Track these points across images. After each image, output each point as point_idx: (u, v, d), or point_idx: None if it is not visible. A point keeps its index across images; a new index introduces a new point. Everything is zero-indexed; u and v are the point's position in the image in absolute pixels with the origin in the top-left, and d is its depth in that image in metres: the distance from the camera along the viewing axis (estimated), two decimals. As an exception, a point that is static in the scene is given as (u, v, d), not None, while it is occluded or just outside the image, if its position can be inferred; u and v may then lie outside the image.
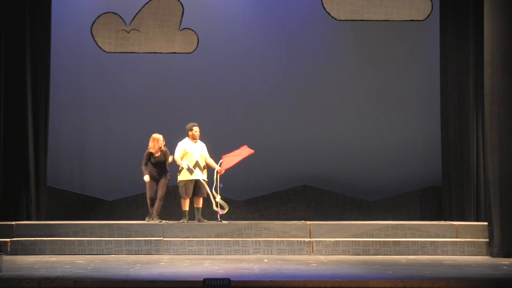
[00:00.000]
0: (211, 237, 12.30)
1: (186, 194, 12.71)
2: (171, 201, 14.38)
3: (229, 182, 14.43)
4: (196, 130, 12.86)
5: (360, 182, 14.54)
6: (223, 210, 12.78)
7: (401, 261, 11.34)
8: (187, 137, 12.87)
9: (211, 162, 12.93)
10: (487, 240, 12.05)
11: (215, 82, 14.66)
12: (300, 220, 13.14)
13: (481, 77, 12.78)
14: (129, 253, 12.15)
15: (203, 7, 14.66)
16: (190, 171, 12.67)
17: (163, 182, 12.91)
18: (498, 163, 11.77)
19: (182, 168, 12.69)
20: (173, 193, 14.37)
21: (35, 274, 9.51)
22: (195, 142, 12.83)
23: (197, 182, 12.76)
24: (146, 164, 12.95)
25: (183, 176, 12.73)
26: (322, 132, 14.58)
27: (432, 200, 14.46)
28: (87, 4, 14.58)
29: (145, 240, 12.23)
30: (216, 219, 12.89)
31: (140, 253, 12.14)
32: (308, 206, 14.49)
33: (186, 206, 12.79)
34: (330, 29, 14.68)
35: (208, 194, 12.80)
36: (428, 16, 14.47)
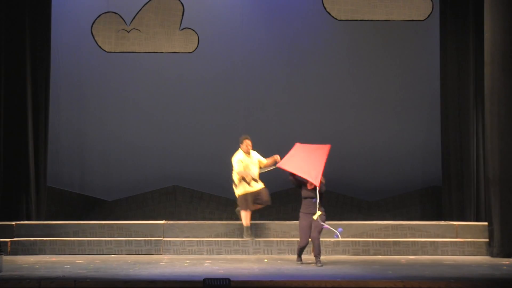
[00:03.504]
0: (211, 237, 12.30)
1: (247, 207, 12.17)
2: (171, 201, 14.40)
3: (229, 182, 14.45)
4: (247, 143, 12.25)
5: (360, 182, 14.53)
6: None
7: (401, 261, 11.35)
8: (240, 150, 12.32)
9: (269, 161, 12.31)
10: (487, 240, 12.05)
11: (216, 82, 14.64)
12: (300, 220, 13.11)
13: (481, 77, 12.78)
14: (129, 253, 12.15)
15: (203, 7, 14.65)
16: (249, 183, 12.18)
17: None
18: (498, 163, 11.78)
19: (240, 181, 12.19)
20: (173, 193, 14.40)
21: (35, 274, 9.52)
22: (249, 155, 12.27)
23: (258, 192, 12.24)
24: None
25: (242, 188, 12.22)
26: (322, 132, 14.56)
27: (432, 200, 14.44)
28: (87, 4, 14.56)
29: (145, 240, 12.23)
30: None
31: (140, 253, 12.14)
32: (308, 206, 14.45)
33: (247, 220, 12.20)
34: (330, 29, 14.67)
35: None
36: (428, 16, 14.46)
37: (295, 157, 11.26)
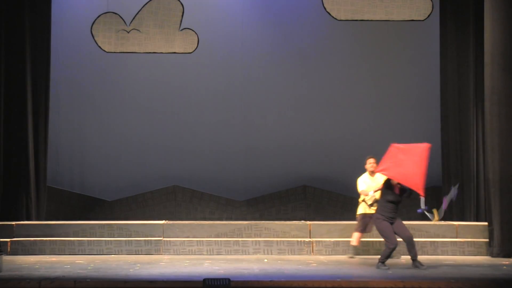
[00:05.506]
0: (211, 237, 12.30)
1: (360, 228, 11.63)
2: (171, 201, 14.39)
3: (229, 182, 14.46)
4: (370, 162, 11.56)
5: (360, 182, 14.52)
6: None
7: (401, 261, 11.35)
8: (366, 172, 11.66)
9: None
10: (487, 240, 12.05)
11: (215, 82, 14.65)
12: (300, 220, 13.13)
13: (481, 77, 12.78)
14: (129, 253, 12.15)
15: (203, 7, 14.65)
16: (370, 205, 11.48)
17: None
18: (498, 163, 11.78)
19: (363, 201, 11.60)
20: (173, 193, 14.40)
21: (35, 274, 9.52)
22: (373, 176, 11.51)
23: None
24: None
25: (361, 209, 11.64)
26: (322, 132, 14.58)
27: (432, 200, 14.42)
28: (87, 4, 14.57)
29: (145, 240, 12.23)
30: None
31: (140, 253, 12.14)
32: (308, 206, 14.48)
33: (357, 241, 11.72)
34: (330, 29, 14.67)
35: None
36: (428, 16, 14.46)
37: (395, 162, 10.66)
